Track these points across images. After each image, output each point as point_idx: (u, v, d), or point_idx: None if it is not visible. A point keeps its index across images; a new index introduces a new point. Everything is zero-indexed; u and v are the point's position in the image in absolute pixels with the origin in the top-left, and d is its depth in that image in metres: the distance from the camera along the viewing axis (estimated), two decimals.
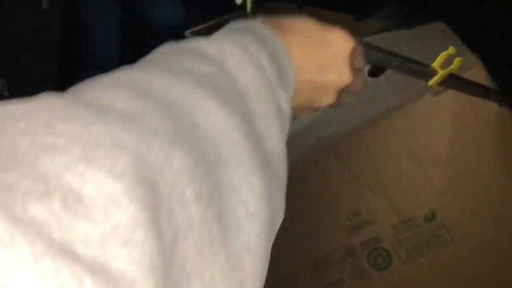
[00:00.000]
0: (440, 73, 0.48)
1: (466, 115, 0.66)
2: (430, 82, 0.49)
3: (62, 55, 1.79)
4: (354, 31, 0.43)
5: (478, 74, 0.65)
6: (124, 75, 0.25)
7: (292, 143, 0.70)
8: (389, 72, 0.71)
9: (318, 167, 0.72)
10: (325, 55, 0.37)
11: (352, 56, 0.39)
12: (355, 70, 0.39)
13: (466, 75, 0.65)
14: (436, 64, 0.48)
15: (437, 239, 0.69)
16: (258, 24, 0.35)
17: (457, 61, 0.49)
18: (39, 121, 0.18)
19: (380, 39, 0.82)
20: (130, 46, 1.89)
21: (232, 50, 0.30)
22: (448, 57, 0.48)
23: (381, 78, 0.72)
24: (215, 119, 0.23)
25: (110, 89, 0.22)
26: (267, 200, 0.25)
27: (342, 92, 0.39)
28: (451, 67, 0.48)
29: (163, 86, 0.23)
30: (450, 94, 0.66)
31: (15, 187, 0.16)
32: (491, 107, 0.65)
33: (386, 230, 0.70)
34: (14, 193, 0.16)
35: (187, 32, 1.53)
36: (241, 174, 0.23)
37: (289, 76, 0.34)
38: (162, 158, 0.19)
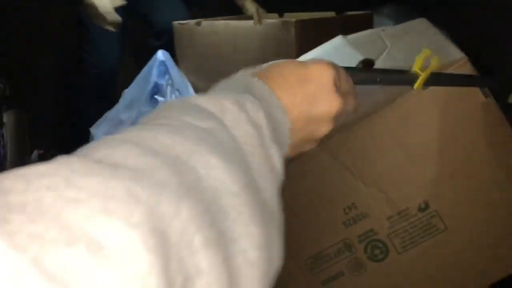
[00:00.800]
0: (422, 76, 0.50)
1: (454, 106, 0.68)
2: (415, 86, 0.51)
3: (62, 55, 1.80)
4: (339, 27, 0.45)
5: (464, 66, 0.67)
6: (130, 133, 0.26)
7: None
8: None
9: (312, 163, 0.74)
10: (310, 90, 0.39)
11: (337, 82, 0.41)
12: (344, 93, 0.41)
13: (453, 68, 0.67)
14: (416, 68, 0.51)
15: (431, 228, 0.71)
16: (254, 79, 0.38)
17: (435, 60, 0.51)
18: (61, 177, 0.20)
19: (364, 37, 0.84)
20: (130, 46, 1.90)
21: (230, 107, 0.32)
22: (426, 58, 0.50)
23: None
24: (216, 173, 0.25)
25: (119, 147, 0.24)
26: (266, 247, 0.27)
27: (338, 116, 0.41)
28: (431, 66, 0.50)
29: (168, 143, 0.25)
30: (438, 87, 0.68)
31: (44, 236, 0.18)
32: (477, 98, 0.67)
33: (381, 222, 0.72)
34: (44, 241, 0.18)
35: (175, 23, 1.52)
36: (241, 223, 0.25)
37: (283, 125, 0.36)
38: (172, 209, 0.21)
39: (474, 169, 0.69)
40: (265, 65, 0.42)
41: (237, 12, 1.54)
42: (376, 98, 0.72)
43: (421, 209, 0.71)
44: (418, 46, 0.75)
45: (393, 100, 0.69)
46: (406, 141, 0.70)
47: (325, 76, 0.39)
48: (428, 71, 0.50)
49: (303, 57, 0.88)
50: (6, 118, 1.66)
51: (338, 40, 0.86)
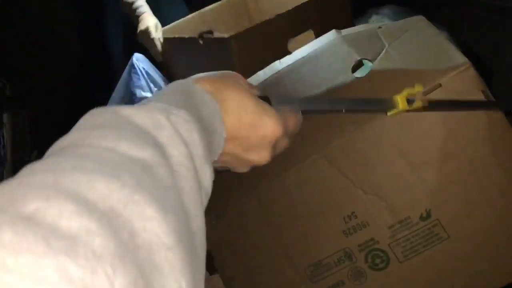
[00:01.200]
0: (400, 109, 0.50)
1: (457, 113, 0.66)
2: (389, 113, 0.50)
3: (63, 56, 1.79)
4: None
5: (467, 72, 0.65)
6: (63, 175, 0.25)
7: (286, 152, 0.70)
8: (371, 72, 0.71)
9: (311, 171, 0.72)
10: (252, 137, 0.40)
11: (277, 142, 0.42)
12: (274, 150, 0.43)
13: (455, 73, 0.65)
14: (401, 105, 0.50)
15: (433, 237, 0.69)
16: (196, 87, 0.38)
17: (418, 88, 0.49)
18: None
19: (360, 34, 0.81)
20: (133, 47, 1.87)
21: (165, 124, 0.32)
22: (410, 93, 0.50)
23: (364, 78, 0.71)
24: (151, 225, 0.25)
25: (53, 200, 0.22)
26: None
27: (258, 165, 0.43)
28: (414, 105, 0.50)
29: (104, 192, 0.24)
30: (439, 92, 0.65)
31: None
32: None
33: (382, 231, 0.71)
34: None
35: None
36: (171, 278, 0.25)
37: (218, 140, 0.37)
38: (106, 284, 0.21)
39: (477, 177, 0.67)
40: (219, 73, 0.42)
41: None
42: None
43: (423, 218, 0.69)
44: (418, 47, 0.73)
45: None
46: (407, 148, 0.68)
47: (272, 134, 0.41)
48: (407, 108, 0.50)
49: (294, 54, 0.85)
50: (6, 118, 1.65)
51: (331, 35, 0.83)
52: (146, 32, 1.38)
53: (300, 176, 0.73)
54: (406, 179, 0.68)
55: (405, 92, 0.50)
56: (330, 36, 0.82)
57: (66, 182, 0.24)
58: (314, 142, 0.72)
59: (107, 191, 0.24)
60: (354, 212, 0.71)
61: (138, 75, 1.36)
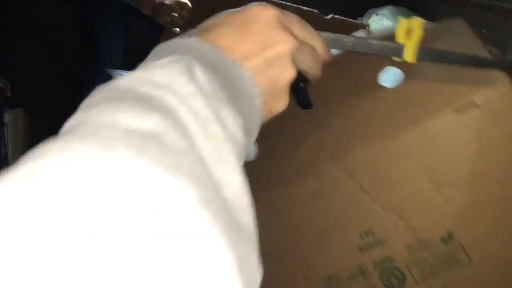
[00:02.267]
0: (411, 45, 0.45)
1: (492, 134, 0.61)
2: (407, 58, 0.46)
3: (63, 56, 1.77)
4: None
5: (506, 89, 0.60)
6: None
7: (304, 161, 0.66)
8: (397, 87, 0.66)
9: (330, 184, 0.69)
10: (257, 29, 0.35)
11: (284, 21, 0.37)
12: (298, 36, 0.37)
13: (491, 90, 0.60)
14: (400, 37, 0.45)
15: (454, 260, 0.66)
16: (201, 43, 0.34)
17: (417, 24, 0.45)
18: None
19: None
20: (133, 46, 1.84)
21: (176, 78, 0.28)
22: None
23: (389, 90, 0.67)
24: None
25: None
26: (239, 268, 0.22)
27: (297, 58, 0.37)
28: (415, 35, 0.45)
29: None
30: (475, 112, 0.61)
31: None
32: None
33: (400, 250, 0.67)
34: None
35: None
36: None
37: (240, 78, 0.33)
38: None
39: (505, 202, 0.63)
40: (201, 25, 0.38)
41: None
42: (394, 117, 0.65)
43: (444, 240, 0.65)
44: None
45: (418, 120, 0.63)
46: (432, 167, 0.64)
47: (268, 13, 0.36)
48: (415, 40, 0.45)
49: None
50: (7, 118, 1.65)
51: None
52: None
53: (318, 187, 0.70)
54: (429, 199, 0.65)
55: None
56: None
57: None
58: (334, 153, 0.69)
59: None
60: (371, 229, 0.68)
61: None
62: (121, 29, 1.63)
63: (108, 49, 1.61)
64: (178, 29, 1.37)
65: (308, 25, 0.40)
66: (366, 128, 0.67)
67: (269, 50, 0.35)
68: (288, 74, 0.37)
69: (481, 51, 0.64)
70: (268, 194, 0.73)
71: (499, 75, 0.61)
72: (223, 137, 0.28)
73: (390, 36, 0.50)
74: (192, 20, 1.37)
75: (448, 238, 0.65)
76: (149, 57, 0.35)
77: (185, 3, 1.39)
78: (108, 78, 1.14)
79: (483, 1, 1.66)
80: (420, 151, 0.64)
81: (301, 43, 0.37)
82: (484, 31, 1.69)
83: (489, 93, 0.60)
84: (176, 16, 1.35)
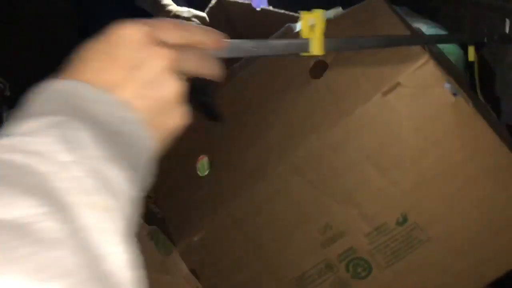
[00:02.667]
0: (315, 37, 0.44)
1: (422, 110, 0.61)
2: (314, 51, 0.44)
3: (64, 56, 1.77)
4: None
5: (426, 65, 0.60)
6: None
7: (254, 165, 0.66)
8: (328, 75, 0.66)
9: (281, 185, 0.69)
10: (121, 54, 0.32)
11: (154, 35, 0.33)
12: (176, 44, 0.34)
13: (413, 69, 0.60)
14: (304, 33, 0.44)
15: (413, 240, 0.66)
16: (75, 84, 0.33)
17: (317, 15, 0.44)
18: None
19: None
20: None
21: (54, 146, 0.26)
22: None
23: (320, 83, 0.67)
24: None
25: None
26: None
27: (183, 69, 0.35)
28: (318, 26, 0.44)
29: None
30: (401, 91, 0.61)
31: None
32: (446, 98, 0.60)
33: (360, 239, 0.67)
34: None
35: None
36: None
37: (125, 119, 0.31)
38: None
39: (450, 174, 0.63)
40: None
41: None
42: (328, 108, 0.65)
43: (399, 223, 0.65)
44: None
45: (351, 109, 0.63)
46: (373, 153, 0.64)
47: (132, 32, 0.33)
48: (318, 32, 0.44)
49: None
50: (6, 118, 1.65)
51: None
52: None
53: (270, 189, 0.69)
54: (376, 185, 0.65)
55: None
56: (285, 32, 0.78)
57: None
58: (280, 153, 0.69)
59: None
60: (328, 223, 0.68)
61: None
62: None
63: None
64: None
65: (186, 25, 0.36)
66: (304, 123, 0.67)
67: (141, 72, 0.32)
68: (172, 89, 0.33)
69: (401, 30, 0.64)
70: (227, 205, 0.73)
71: (419, 51, 0.60)
72: (108, 206, 0.25)
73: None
74: None
75: (403, 220, 0.65)
76: (21, 111, 0.32)
77: (204, 17, 1.39)
78: None
79: (483, 1, 1.65)
80: (358, 139, 0.64)
81: (181, 49, 0.34)
82: (484, 31, 1.67)
83: (411, 71, 0.59)
84: None
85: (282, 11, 1.49)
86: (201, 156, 0.79)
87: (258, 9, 1.49)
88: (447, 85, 0.60)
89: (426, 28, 1.82)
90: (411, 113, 0.61)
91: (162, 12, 1.40)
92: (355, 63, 0.64)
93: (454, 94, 0.60)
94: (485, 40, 0.73)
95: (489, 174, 0.62)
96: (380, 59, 0.62)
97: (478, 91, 0.77)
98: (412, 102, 0.61)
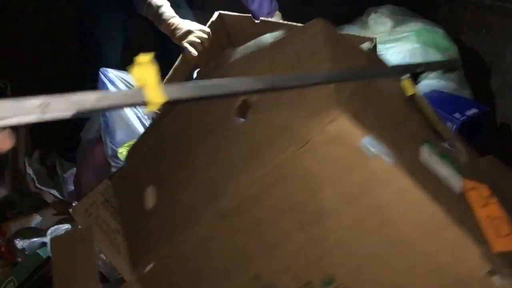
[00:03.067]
0: (149, 85, 0.38)
1: (335, 167, 0.54)
2: (151, 102, 0.37)
3: (64, 56, 1.81)
4: None
5: (338, 120, 0.53)
6: None
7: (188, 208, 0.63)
8: (247, 123, 0.61)
9: (212, 231, 0.66)
10: None
11: None
12: None
13: (323, 123, 0.54)
14: (138, 81, 0.39)
15: None
16: None
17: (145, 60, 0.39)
18: None
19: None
20: (132, 46, 1.85)
21: None
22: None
23: (240, 131, 0.63)
24: None
25: None
26: None
27: None
28: (150, 72, 0.39)
29: None
30: (312, 148, 0.54)
31: None
32: (361, 156, 0.53)
33: None
34: None
35: None
36: None
37: None
38: None
39: (367, 231, 0.57)
40: None
41: (237, 10, 1.50)
42: (248, 159, 0.60)
43: (326, 283, 0.61)
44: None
45: (268, 161, 0.57)
46: (291, 207, 0.58)
47: None
48: (151, 78, 0.39)
49: None
50: None
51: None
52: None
53: (202, 234, 0.67)
54: (297, 240, 0.59)
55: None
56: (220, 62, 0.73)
57: None
58: (209, 198, 0.65)
59: None
60: (258, 274, 0.65)
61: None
62: (121, 29, 1.64)
63: (107, 48, 1.63)
64: (196, 53, 1.39)
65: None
66: (227, 170, 0.62)
67: None
68: None
69: (325, 64, 0.58)
70: (169, 243, 0.71)
71: (332, 103, 0.53)
72: None
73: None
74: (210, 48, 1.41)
75: (329, 281, 0.61)
76: None
77: (208, 32, 1.40)
78: (107, 77, 1.17)
79: (483, 1, 1.56)
80: (275, 193, 0.58)
81: None
82: (484, 31, 1.59)
83: (321, 126, 0.52)
84: (197, 41, 1.38)
85: (281, 21, 1.46)
86: (148, 188, 0.77)
87: (257, 21, 1.46)
88: (365, 141, 0.53)
89: (423, 27, 1.70)
90: (325, 170, 0.54)
91: (163, 24, 1.39)
92: (274, 110, 0.58)
93: (376, 150, 0.54)
94: (420, 71, 0.65)
95: (418, 230, 0.57)
96: (297, 108, 0.56)
97: (440, 128, 0.70)
98: (326, 158, 0.54)
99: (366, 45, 0.71)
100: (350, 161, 0.54)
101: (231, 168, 0.62)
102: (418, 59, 1.63)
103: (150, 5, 1.39)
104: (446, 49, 1.67)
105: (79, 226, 1.16)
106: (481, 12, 1.58)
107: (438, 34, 1.68)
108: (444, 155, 0.62)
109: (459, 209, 0.58)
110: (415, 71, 0.66)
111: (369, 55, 0.67)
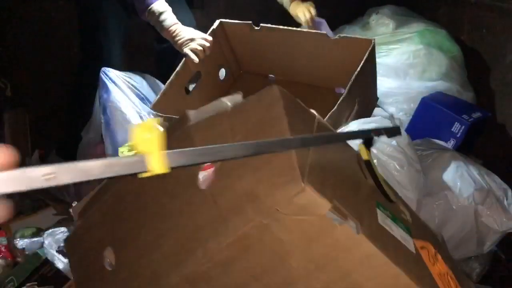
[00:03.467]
0: (153, 151, 0.38)
1: (303, 236, 0.56)
2: (153, 169, 0.38)
3: (64, 56, 1.80)
4: None
5: (303, 192, 0.53)
6: None
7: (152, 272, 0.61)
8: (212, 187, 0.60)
9: None
10: None
11: None
12: None
13: (289, 195, 0.54)
14: (137, 147, 0.39)
15: None
16: None
17: (150, 125, 0.39)
18: None
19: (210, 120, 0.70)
20: (133, 47, 1.85)
21: None
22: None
23: (206, 196, 0.61)
24: None
25: None
26: None
27: None
28: (155, 137, 0.39)
29: None
30: (279, 217, 0.55)
31: None
32: (327, 225, 0.54)
33: None
34: None
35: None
36: None
37: None
38: None
39: None
40: None
41: (235, 10, 1.50)
42: (214, 226, 0.59)
43: None
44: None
45: (233, 229, 0.57)
46: (261, 275, 0.59)
47: None
48: (156, 143, 0.38)
49: None
50: (7, 118, 1.69)
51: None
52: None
53: None
54: None
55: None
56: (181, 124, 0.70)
57: None
58: (174, 264, 0.63)
59: None
60: None
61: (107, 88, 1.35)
62: (121, 29, 1.64)
63: (107, 48, 1.63)
64: (197, 60, 1.40)
65: None
66: (194, 237, 0.61)
67: None
68: None
69: (284, 130, 0.57)
70: None
71: (295, 176, 0.53)
72: None
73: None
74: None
75: None
76: None
77: (210, 40, 1.43)
78: (108, 77, 1.17)
79: (483, 1, 1.56)
80: (243, 261, 0.59)
81: None
82: (484, 31, 1.59)
83: (287, 198, 0.53)
84: (199, 49, 1.40)
85: (281, 27, 1.46)
86: (107, 249, 0.73)
87: (256, 28, 1.48)
88: (331, 210, 0.53)
89: (425, 28, 1.69)
90: (294, 238, 0.56)
91: (165, 30, 1.42)
92: (240, 175, 0.58)
93: (341, 218, 0.54)
94: (374, 137, 0.67)
95: None
96: (263, 175, 0.56)
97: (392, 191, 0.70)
98: (294, 227, 0.55)
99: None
100: (318, 229, 0.55)
101: (199, 233, 0.61)
102: (422, 60, 1.63)
103: (151, 11, 1.40)
104: (449, 50, 1.67)
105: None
106: (481, 12, 1.58)
107: (440, 35, 1.68)
108: (395, 218, 0.64)
109: (418, 269, 0.60)
110: (367, 137, 0.68)
111: (320, 122, 0.68)
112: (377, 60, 1.46)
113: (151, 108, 1.40)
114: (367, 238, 0.55)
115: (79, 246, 0.78)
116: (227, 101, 0.65)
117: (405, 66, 1.65)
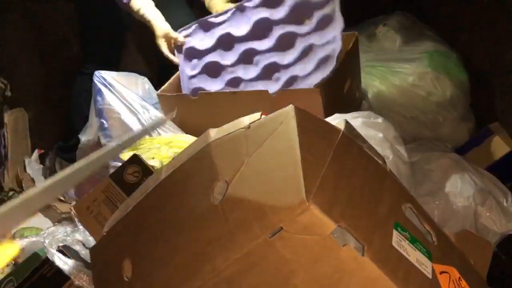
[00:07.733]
0: None
1: (307, 256, 0.56)
2: None
3: (64, 56, 1.82)
4: None
5: (307, 211, 0.53)
6: None
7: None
8: (226, 199, 0.61)
9: None
10: None
11: None
12: None
13: (293, 215, 0.54)
14: None
15: None
16: None
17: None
18: None
19: (229, 140, 0.71)
20: (133, 48, 1.85)
21: None
22: None
23: (219, 207, 0.62)
24: None
25: None
26: None
27: None
28: None
29: None
30: (284, 236, 0.55)
31: None
32: (332, 246, 0.54)
33: None
34: None
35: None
36: None
37: None
38: None
39: None
40: None
41: None
42: (220, 241, 0.60)
43: None
44: (270, 166, 0.60)
45: (241, 248, 0.57)
46: None
47: None
48: None
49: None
50: (7, 118, 1.69)
51: (203, 141, 0.73)
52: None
53: None
54: None
55: None
56: (202, 141, 0.72)
57: None
58: (185, 277, 0.63)
59: None
60: None
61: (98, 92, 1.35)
62: (120, 29, 1.64)
63: (107, 48, 1.64)
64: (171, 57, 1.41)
65: None
66: (204, 252, 0.62)
67: None
68: None
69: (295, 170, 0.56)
70: None
71: (300, 199, 0.53)
72: None
73: None
74: None
75: None
76: None
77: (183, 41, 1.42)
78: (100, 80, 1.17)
79: (483, 1, 1.55)
80: (250, 275, 0.59)
81: None
82: (484, 31, 1.58)
83: (292, 217, 0.53)
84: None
85: None
86: (126, 261, 0.74)
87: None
88: (336, 230, 0.53)
89: (435, 49, 1.66)
90: (298, 257, 0.56)
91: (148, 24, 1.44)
92: (250, 191, 0.59)
93: (346, 239, 0.54)
94: None
95: None
96: (270, 191, 0.57)
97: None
98: (298, 246, 0.55)
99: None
100: (322, 249, 0.55)
101: (209, 247, 0.62)
102: (428, 83, 1.59)
103: (132, 8, 1.44)
104: (457, 76, 1.63)
105: (79, 225, 1.17)
106: (481, 12, 1.57)
107: (450, 60, 1.63)
108: (414, 240, 0.62)
109: None
110: None
111: (343, 138, 0.67)
112: (381, 76, 1.47)
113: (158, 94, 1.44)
114: (372, 261, 0.54)
115: (101, 257, 0.79)
116: (246, 121, 0.66)
117: (409, 86, 1.63)
